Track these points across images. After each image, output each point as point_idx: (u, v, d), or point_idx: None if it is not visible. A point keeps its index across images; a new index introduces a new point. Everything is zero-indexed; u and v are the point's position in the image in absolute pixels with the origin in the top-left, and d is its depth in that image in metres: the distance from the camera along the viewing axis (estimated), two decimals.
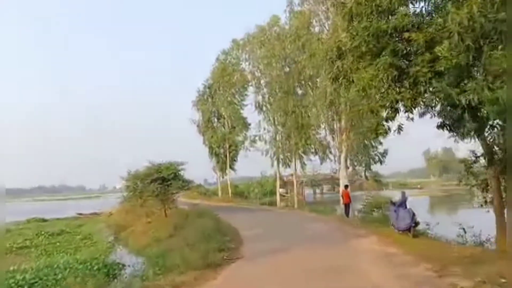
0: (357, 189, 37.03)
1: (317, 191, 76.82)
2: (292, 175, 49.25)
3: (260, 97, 36.04)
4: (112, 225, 33.26)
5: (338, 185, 29.95)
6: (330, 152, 27.51)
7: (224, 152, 45.45)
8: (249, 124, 43.58)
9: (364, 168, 26.72)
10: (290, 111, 31.84)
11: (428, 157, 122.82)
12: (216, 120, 45.63)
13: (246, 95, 43.65)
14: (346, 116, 23.11)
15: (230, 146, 44.37)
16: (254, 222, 21.59)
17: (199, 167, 48.63)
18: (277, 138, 35.46)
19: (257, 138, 39.93)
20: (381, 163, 27.73)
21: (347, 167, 24.81)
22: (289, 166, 36.05)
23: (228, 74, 43.31)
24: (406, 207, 15.43)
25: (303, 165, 34.48)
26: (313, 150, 32.67)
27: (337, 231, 17.02)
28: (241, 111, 44.03)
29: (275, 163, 36.33)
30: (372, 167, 26.99)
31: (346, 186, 23.13)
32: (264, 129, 36.02)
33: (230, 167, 45.83)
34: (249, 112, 40.92)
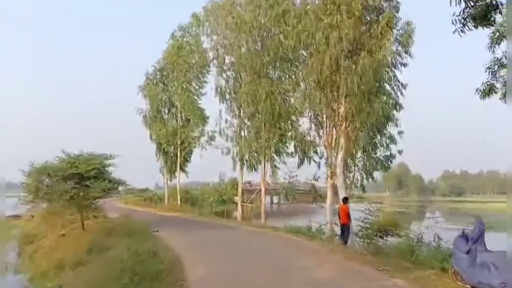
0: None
1: (274, 200, 70.35)
2: (248, 182, 42.59)
3: (223, 82, 28.38)
4: (25, 234, 26.47)
5: (321, 196, 23.02)
6: (315, 152, 20.50)
7: (174, 151, 37.31)
8: (207, 117, 35.96)
9: (360, 177, 19.83)
10: (262, 98, 24.53)
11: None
12: (166, 111, 37.39)
13: (205, 81, 36.00)
14: (350, 98, 16.15)
15: (182, 143, 36.29)
16: (209, 251, 13.98)
17: (150, 168, 40.20)
18: (242, 134, 27.96)
19: (216, 134, 32.35)
20: (386, 169, 21.03)
21: (344, 173, 17.71)
22: (256, 170, 28.68)
23: (185, 55, 35.40)
24: (485, 247, 8.68)
25: (273, 169, 27.26)
26: (290, 150, 25.49)
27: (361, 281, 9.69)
28: (199, 101, 36.31)
29: (238, 165, 28.76)
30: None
31: (345, 200, 15.97)
32: (226, 121, 28.44)
33: (181, 169, 37.71)
34: (208, 102, 33.38)
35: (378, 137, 19.51)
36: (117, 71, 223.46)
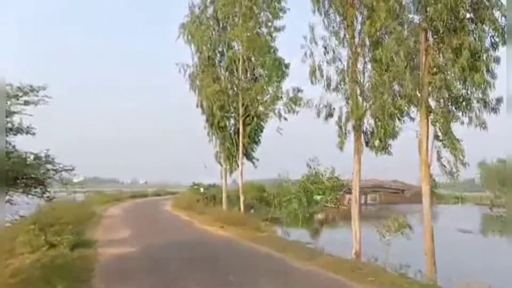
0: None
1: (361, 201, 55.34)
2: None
3: None
4: None
5: None
6: None
7: (235, 123, 23.78)
8: (287, 66, 21.85)
9: None
10: None
11: (484, 169, 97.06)
12: (220, 59, 23.72)
13: (281, 9, 21.83)
14: None
15: (246, 116, 22.52)
16: None
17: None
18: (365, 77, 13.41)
19: (301, 92, 18.06)
20: None
21: None
22: (387, 148, 13.98)
23: None
24: None
25: None
26: None
27: None
28: (272, 42, 22.23)
29: (351, 138, 14.23)
30: None
31: None
32: (327, 51, 14.00)
33: (246, 154, 24.09)
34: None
35: None
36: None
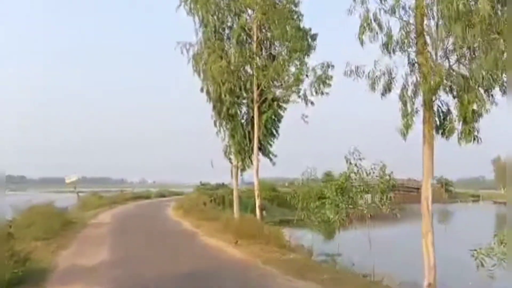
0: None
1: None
2: None
3: None
4: None
5: None
6: None
7: (248, 111, 19.59)
8: (314, 38, 17.62)
9: None
10: None
11: (498, 165, 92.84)
12: (228, 36, 19.40)
13: None
14: None
15: (261, 93, 18.30)
16: None
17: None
18: None
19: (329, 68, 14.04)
20: None
21: None
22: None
23: None
24: None
25: None
26: None
27: None
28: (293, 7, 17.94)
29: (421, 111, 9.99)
30: None
31: None
32: None
33: (262, 148, 19.87)
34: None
35: None
36: None
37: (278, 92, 18.19)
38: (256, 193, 18.40)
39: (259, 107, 18.80)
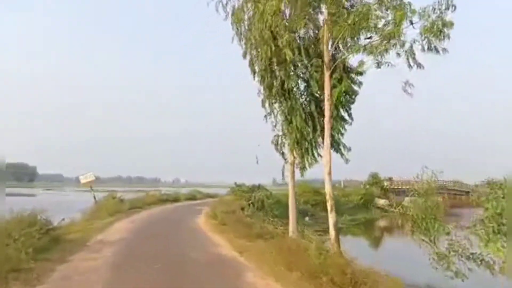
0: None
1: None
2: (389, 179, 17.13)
3: None
4: None
5: None
6: None
7: (309, 85, 13.65)
8: None
9: None
10: None
11: None
12: None
13: None
14: None
15: (334, 57, 12.26)
16: None
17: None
18: None
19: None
20: None
21: None
22: None
23: None
24: None
25: None
26: None
27: None
28: None
29: None
30: None
31: None
32: None
33: (333, 142, 13.82)
34: None
35: None
36: None
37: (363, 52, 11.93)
38: (329, 205, 12.24)
39: (330, 77, 12.74)
